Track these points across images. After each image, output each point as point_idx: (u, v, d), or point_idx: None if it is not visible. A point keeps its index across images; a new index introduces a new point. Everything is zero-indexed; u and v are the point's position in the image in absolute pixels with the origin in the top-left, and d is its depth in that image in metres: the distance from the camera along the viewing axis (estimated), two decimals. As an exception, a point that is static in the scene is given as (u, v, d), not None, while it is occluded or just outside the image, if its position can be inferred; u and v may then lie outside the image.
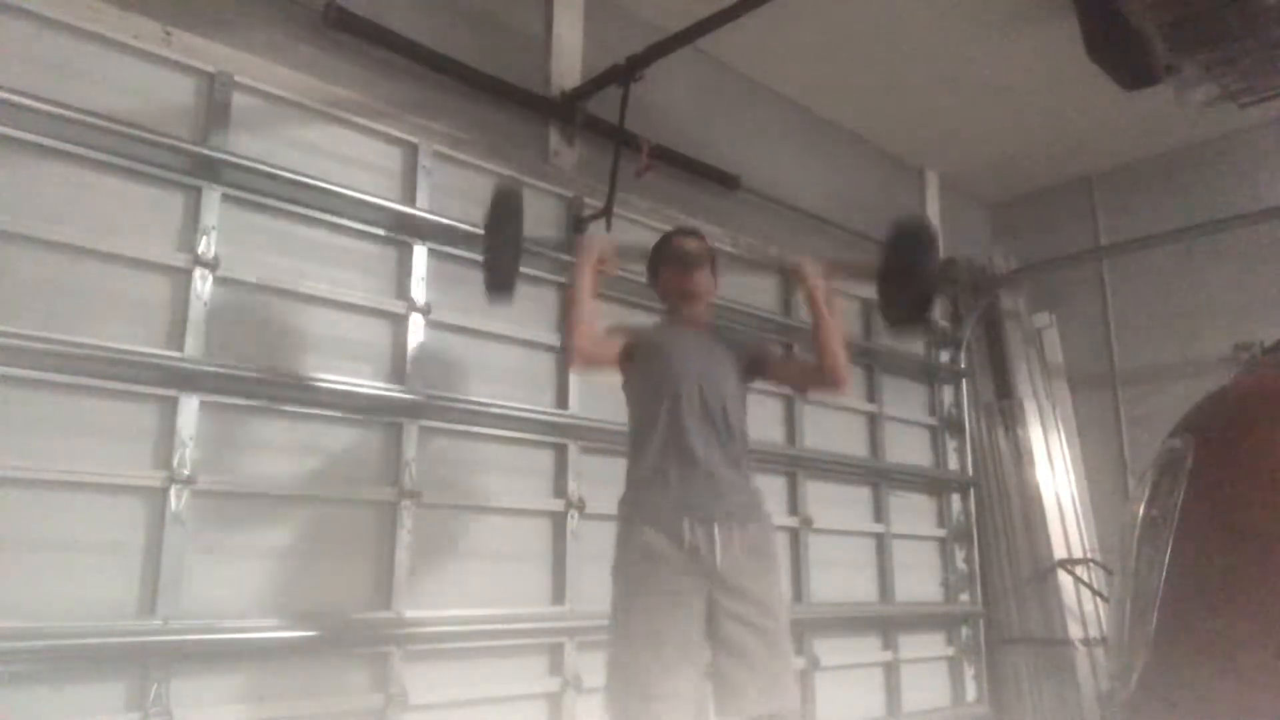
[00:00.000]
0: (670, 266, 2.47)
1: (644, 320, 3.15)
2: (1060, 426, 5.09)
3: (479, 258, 2.45)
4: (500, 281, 2.37)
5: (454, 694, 2.75)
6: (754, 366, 2.41)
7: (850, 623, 4.12)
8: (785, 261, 2.28)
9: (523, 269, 3.14)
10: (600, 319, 2.33)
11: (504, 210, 2.38)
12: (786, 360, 2.42)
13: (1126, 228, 5.09)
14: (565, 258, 3.24)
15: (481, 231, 2.46)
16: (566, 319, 2.33)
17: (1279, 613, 1.17)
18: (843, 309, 2.32)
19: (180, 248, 2.45)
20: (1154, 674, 1.28)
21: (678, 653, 2.05)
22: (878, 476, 4.42)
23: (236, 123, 2.60)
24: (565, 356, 2.32)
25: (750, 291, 3.98)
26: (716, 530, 2.13)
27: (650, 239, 3.60)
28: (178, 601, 2.29)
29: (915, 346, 4.91)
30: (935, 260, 2.33)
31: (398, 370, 2.83)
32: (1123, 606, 1.38)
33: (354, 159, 2.86)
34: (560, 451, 3.17)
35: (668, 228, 3.67)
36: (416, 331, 2.87)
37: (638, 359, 2.34)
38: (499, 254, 2.36)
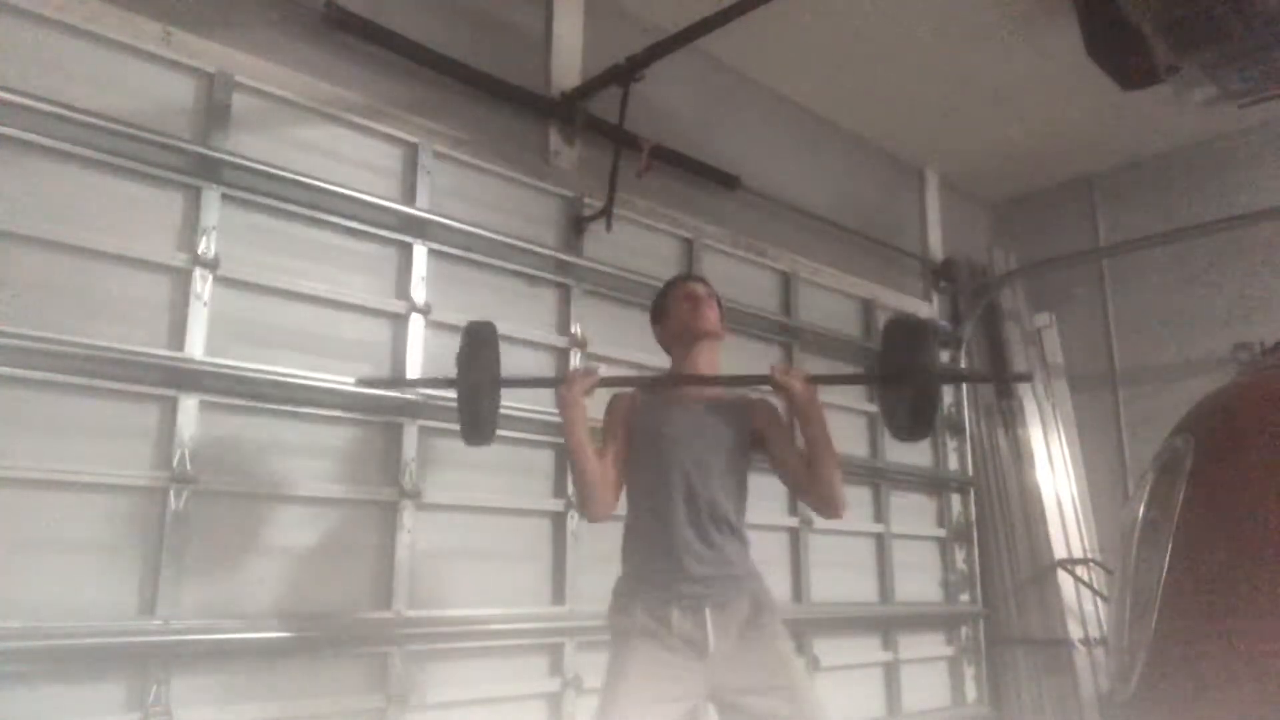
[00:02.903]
0: (678, 304, 2.31)
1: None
2: (1060, 426, 5.09)
3: (455, 398, 2.19)
4: (479, 431, 2.18)
5: (454, 694, 2.75)
6: (758, 440, 2.26)
7: (850, 623, 4.12)
8: (770, 377, 2.16)
9: (521, 268, 3.19)
10: (606, 472, 2.17)
11: (477, 346, 2.20)
12: (789, 449, 2.27)
13: (1126, 228, 5.09)
14: (562, 257, 3.24)
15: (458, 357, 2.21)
16: (577, 484, 2.20)
17: (1279, 613, 1.18)
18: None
19: (180, 248, 2.45)
20: (1154, 674, 1.28)
21: None
22: (878, 476, 4.42)
23: (236, 123, 2.60)
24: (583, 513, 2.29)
25: (749, 292, 3.98)
26: (708, 615, 2.07)
27: (649, 242, 3.66)
28: (178, 601, 2.29)
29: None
30: (934, 355, 2.11)
31: (398, 370, 2.83)
32: (1123, 606, 1.38)
33: (354, 159, 2.86)
34: (560, 451, 3.17)
35: (668, 227, 3.71)
36: (416, 331, 2.87)
37: (636, 445, 2.22)
38: (476, 398, 2.17)
